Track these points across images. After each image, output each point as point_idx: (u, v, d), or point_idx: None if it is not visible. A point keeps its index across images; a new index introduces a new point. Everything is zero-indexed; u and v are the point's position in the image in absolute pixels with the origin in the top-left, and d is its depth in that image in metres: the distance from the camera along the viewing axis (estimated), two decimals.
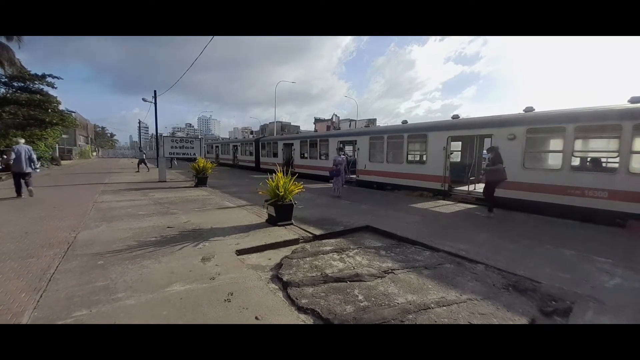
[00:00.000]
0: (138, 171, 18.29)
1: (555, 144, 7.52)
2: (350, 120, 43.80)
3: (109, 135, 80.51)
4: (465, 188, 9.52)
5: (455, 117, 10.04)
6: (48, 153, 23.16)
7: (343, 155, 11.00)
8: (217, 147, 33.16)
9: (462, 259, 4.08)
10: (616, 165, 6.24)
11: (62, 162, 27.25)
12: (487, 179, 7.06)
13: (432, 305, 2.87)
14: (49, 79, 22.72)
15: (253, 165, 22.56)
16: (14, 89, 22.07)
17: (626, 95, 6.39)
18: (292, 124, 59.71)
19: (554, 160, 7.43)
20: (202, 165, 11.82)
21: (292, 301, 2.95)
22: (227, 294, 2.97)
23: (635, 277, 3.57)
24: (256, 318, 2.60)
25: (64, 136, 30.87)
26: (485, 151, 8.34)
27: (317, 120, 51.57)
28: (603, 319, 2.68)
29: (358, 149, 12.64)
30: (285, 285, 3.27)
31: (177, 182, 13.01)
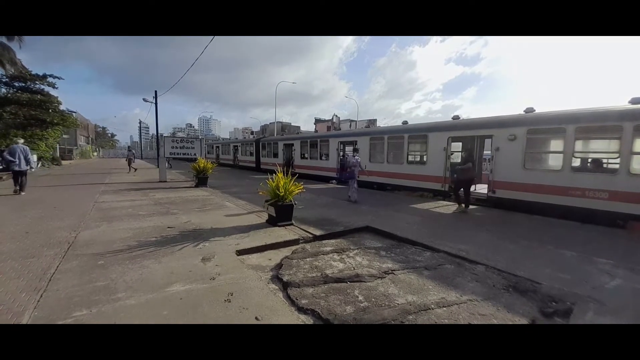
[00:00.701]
0: (135, 170, 18.28)
1: (556, 144, 7.51)
2: (351, 121, 43.89)
3: (109, 135, 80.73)
4: None
5: (456, 117, 10.03)
6: (49, 153, 23.22)
7: (357, 157, 9.63)
8: (217, 147, 33.14)
9: (463, 260, 4.07)
10: (617, 166, 6.24)
11: (63, 162, 27.31)
12: (457, 177, 7.63)
13: (432, 306, 2.86)
14: (49, 79, 22.82)
15: (253, 165, 22.57)
16: (15, 89, 22.14)
17: (627, 96, 6.41)
18: (292, 124, 59.86)
19: (554, 161, 7.41)
20: (202, 165, 11.82)
21: (292, 301, 2.95)
22: (227, 294, 2.97)
23: (636, 278, 3.56)
24: (256, 318, 2.60)
25: (64, 136, 30.96)
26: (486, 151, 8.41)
27: (318, 121, 51.68)
28: (603, 320, 2.67)
29: (358, 149, 12.65)
30: (285, 286, 3.27)
31: (177, 182, 13.02)
